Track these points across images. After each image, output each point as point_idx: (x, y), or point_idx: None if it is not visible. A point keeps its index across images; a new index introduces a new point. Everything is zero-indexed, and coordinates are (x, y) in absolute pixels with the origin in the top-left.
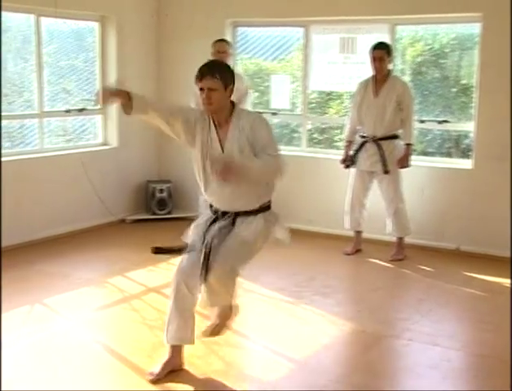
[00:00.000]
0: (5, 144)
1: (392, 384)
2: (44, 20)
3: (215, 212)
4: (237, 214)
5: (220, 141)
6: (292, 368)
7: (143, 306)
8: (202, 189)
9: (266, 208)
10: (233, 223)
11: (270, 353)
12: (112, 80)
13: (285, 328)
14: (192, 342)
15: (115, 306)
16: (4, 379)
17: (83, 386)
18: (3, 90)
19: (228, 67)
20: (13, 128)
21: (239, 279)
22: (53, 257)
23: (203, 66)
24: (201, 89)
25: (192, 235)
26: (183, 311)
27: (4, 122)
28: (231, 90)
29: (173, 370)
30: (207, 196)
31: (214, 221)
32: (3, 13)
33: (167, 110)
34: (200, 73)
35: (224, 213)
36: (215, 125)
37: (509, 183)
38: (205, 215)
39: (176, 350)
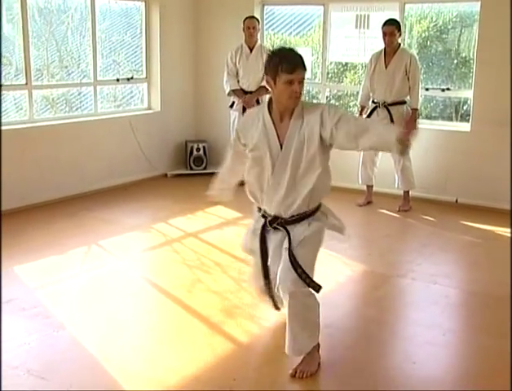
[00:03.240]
0: (65, 109)
1: (397, 317)
2: (98, 1)
3: (264, 217)
4: (288, 222)
5: (278, 137)
6: None
7: (183, 249)
8: (261, 195)
9: (315, 210)
10: (288, 235)
11: None
12: (156, 53)
13: None
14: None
15: (159, 248)
16: (64, 308)
17: (132, 315)
18: (64, 62)
19: None
20: (72, 95)
21: None
22: (106, 205)
23: (293, 56)
24: (291, 81)
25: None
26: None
27: (64, 90)
28: None
29: None
30: (265, 202)
31: (264, 228)
32: None
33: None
34: (292, 65)
35: (275, 221)
36: (273, 121)
37: (510, 143)
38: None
39: None
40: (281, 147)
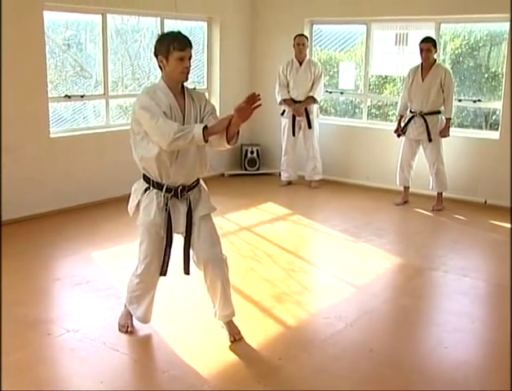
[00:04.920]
0: None
1: (430, 305)
2: (166, 22)
3: (168, 191)
4: (189, 189)
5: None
6: (352, 291)
7: (238, 240)
8: (168, 168)
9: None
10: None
11: (335, 279)
12: (216, 66)
13: (348, 260)
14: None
15: None
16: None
17: (191, 297)
18: (136, 75)
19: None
20: None
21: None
22: None
23: (183, 37)
24: (182, 58)
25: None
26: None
27: (135, 99)
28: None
29: None
30: (173, 174)
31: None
32: (139, 17)
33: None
34: (183, 44)
35: (183, 190)
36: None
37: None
38: (151, 199)
39: None
40: (184, 119)
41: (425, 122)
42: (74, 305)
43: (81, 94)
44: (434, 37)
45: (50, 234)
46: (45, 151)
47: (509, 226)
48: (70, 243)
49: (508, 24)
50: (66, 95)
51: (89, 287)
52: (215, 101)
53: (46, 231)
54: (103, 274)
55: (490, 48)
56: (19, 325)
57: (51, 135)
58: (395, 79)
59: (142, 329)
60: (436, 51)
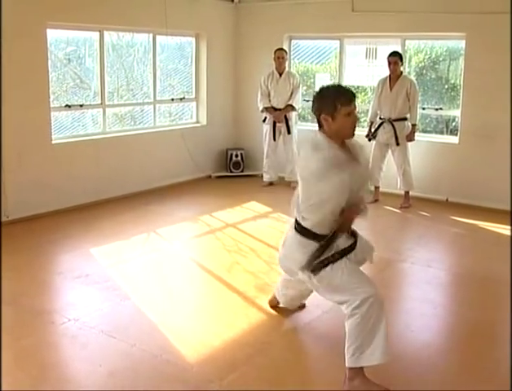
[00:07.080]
0: (130, 123)
1: (399, 294)
2: (158, 37)
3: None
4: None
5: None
6: None
7: (224, 236)
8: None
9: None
10: None
11: None
12: (203, 77)
13: None
14: None
15: (204, 236)
16: (129, 282)
17: (182, 289)
18: (131, 86)
19: None
20: (136, 112)
21: None
22: (161, 200)
23: (348, 90)
24: (350, 113)
25: None
26: None
27: (130, 108)
28: None
29: None
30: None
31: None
32: (133, 33)
33: None
34: (350, 97)
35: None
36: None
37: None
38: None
39: None
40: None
41: (393, 128)
42: (75, 296)
43: (81, 103)
44: (400, 51)
45: (53, 232)
46: (47, 157)
47: (468, 221)
48: (71, 240)
49: (464, 41)
50: (67, 105)
51: (88, 280)
52: (203, 110)
53: (48, 229)
54: (101, 268)
55: (449, 62)
56: (25, 314)
57: (53, 142)
58: (365, 89)
59: (137, 319)
60: (402, 64)
